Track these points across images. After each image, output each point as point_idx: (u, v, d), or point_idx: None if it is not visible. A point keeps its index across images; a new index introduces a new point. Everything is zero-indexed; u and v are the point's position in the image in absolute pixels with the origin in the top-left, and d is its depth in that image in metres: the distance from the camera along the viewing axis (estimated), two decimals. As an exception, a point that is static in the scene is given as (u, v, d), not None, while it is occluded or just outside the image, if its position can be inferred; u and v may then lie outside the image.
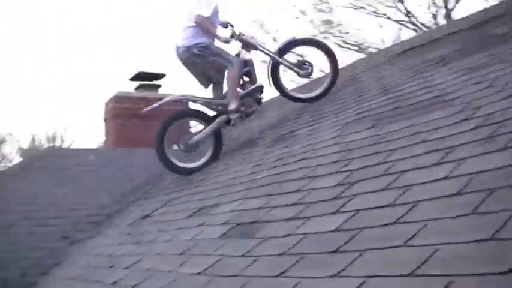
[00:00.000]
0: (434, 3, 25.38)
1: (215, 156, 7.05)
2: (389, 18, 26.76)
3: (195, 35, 6.92)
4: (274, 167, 4.86)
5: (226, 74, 7.00)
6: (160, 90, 12.19)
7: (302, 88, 7.70)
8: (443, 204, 2.45)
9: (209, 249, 3.63)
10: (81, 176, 8.77)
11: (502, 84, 3.76)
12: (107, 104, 11.54)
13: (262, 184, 4.52)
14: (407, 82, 5.44)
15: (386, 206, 2.74)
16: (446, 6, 24.71)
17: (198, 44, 6.88)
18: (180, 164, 7.03)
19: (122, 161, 9.56)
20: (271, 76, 7.27)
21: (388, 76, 6.31)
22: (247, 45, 7.18)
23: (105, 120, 11.76)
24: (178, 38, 7.04)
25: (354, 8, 26.29)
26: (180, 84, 16.23)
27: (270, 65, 7.25)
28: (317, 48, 7.40)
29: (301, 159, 4.59)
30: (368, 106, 5.25)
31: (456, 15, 23.92)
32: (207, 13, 6.82)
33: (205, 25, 6.79)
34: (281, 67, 7.27)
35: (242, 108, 7.00)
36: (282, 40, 7.49)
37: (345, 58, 23.47)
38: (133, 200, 7.55)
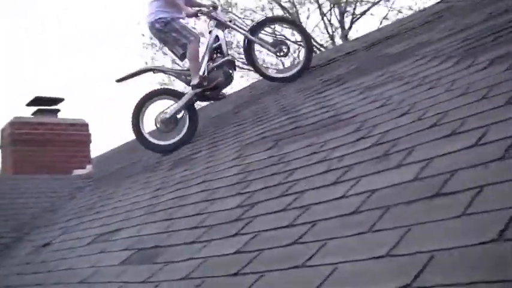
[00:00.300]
0: (330, 24, 26.00)
1: (190, 132, 7.03)
2: (286, 39, 27.20)
3: (158, 10, 7.06)
4: (175, 190, 4.81)
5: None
6: (60, 115, 11.90)
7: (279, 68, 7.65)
8: (341, 222, 2.47)
9: (109, 277, 3.55)
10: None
11: (396, 103, 3.85)
12: (3, 130, 11.17)
13: (162, 208, 4.47)
14: (306, 102, 5.49)
15: (286, 226, 2.74)
16: (342, 27, 25.34)
17: (159, 19, 7.03)
18: (158, 142, 7.19)
19: (21, 188, 9.26)
20: (246, 54, 7.43)
21: (287, 96, 6.37)
22: (219, 23, 7.25)
23: (1, 147, 11.37)
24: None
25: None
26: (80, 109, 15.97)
27: (245, 43, 7.36)
28: (290, 26, 7.52)
29: (201, 182, 4.57)
30: (268, 127, 5.28)
31: (353, 35, 24.53)
32: None
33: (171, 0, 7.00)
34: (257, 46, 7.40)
35: (205, 82, 6.99)
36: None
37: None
38: (32, 228, 7.32)
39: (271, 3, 26.25)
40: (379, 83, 4.71)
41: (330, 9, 26.13)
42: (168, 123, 7.03)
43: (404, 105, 3.72)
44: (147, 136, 7.19)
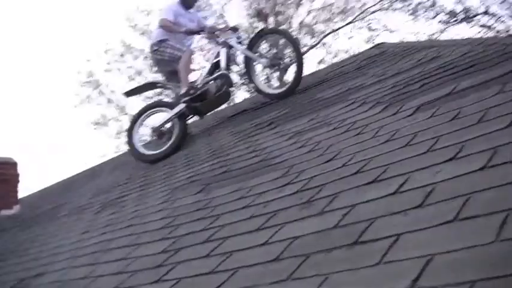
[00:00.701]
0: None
1: (177, 143, 7.14)
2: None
3: (157, 35, 7.69)
4: (101, 234, 4.71)
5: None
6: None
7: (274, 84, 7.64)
8: (261, 270, 2.43)
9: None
10: None
11: (324, 148, 3.86)
12: None
13: (88, 252, 4.36)
14: (237, 146, 5.49)
15: (208, 273, 2.70)
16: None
17: (156, 39, 7.60)
18: (147, 152, 7.38)
19: None
20: (245, 70, 7.49)
21: (219, 139, 6.36)
22: (218, 41, 7.49)
23: None
24: None
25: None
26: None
27: (244, 61, 7.41)
28: (283, 37, 7.56)
29: (128, 226, 4.49)
30: (197, 170, 5.24)
31: (289, 77, 24.79)
32: (169, 16, 7.49)
33: (167, 26, 7.43)
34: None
35: (192, 91, 7.18)
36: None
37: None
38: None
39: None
40: (308, 128, 4.73)
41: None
42: (158, 133, 7.38)
43: (331, 151, 3.74)
44: (137, 147, 7.43)
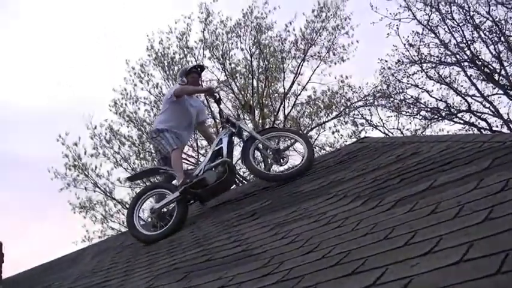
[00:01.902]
0: (254, 157, 26.37)
1: (175, 227, 7.18)
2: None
3: (158, 122, 8.04)
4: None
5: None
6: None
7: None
8: None
9: None
10: None
11: (305, 240, 3.93)
12: None
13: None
14: (220, 235, 5.53)
15: None
16: (265, 162, 25.78)
17: (156, 129, 7.91)
18: (145, 232, 7.42)
19: None
20: (243, 150, 7.52)
21: (202, 228, 6.40)
22: (231, 124, 7.62)
23: None
24: None
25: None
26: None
27: (245, 141, 7.53)
28: (297, 136, 7.57)
29: (108, 312, 4.48)
30: (181, 258, 5.26)
31: (276, 169, 24.90)
32: (180, 82, 7.94)
33: (181, 89, 7.76)
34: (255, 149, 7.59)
35: (188, 180, 7.30)
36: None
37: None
38: None
39: (196, 133, 26.70)
40: (290, 220, 4.80)
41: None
42: (158, 214, 7.49)
43: (311, 242, 3.80)
44: (137, 226, 7.47)
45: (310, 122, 26.89)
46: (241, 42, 27.16)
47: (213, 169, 7.37)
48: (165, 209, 7.52)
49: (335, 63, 26.76)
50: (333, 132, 26.26)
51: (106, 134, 26.06)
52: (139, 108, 26.63)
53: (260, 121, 26.59)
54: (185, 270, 4.70)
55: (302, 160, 7.27)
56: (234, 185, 7.68)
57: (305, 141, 7.53)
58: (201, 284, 4.03)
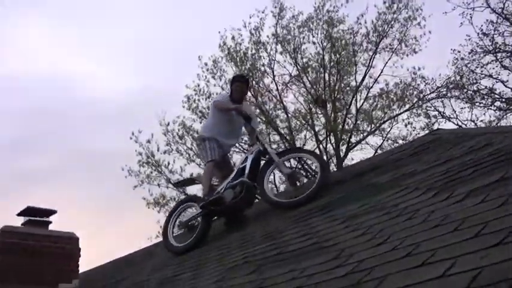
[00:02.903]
0: (326, 151, 26.38)
1: (197, 241, 7.46)
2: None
3: (204, 127, 8.61)
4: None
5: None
6: (51, 227, 11.89)
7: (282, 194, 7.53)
8: None
9: None
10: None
11: (375, 232, 3.93)
12: (-9, 238, 11.12)
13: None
14: (291, 229, 5.56)
15: None
16: (337, 155, 25.70)
17: (200, 135, 8.38)
18: (174, 244, 7.79)
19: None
20: (260, 174, 7.40)
21: (273, 223, 6.44)
22: (259, 142, 7.67)
23: (-12, 254, 11.32)
24: None
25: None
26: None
27: (264, 163, 7.47)
28: (313, 157, 7.51)
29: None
30: (251, 251, 5.32)
31: (348, 163, 24.79)
32: (223, 99, 8.15)
33: (220, 105, 8.00)
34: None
35: (206, 197, 7.51)
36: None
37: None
38: None
39: (268, 129, 26.81)
40: (361, 212, 4.80)
41: (326, 137, 26.62)
42: (185, 227, 7.86)
43: (382, 234, 3.80)
44: (169, 237, 7.86)
45: (382, 115, 26.59)
46: (313, 36, 27.04)
47: (233, 188, 7.47)
48: (195, 222, 7.80)
49: (407, 55, 26.28)
50: (406, 125, 25.89)
51: (179, 130, 26.28)
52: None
53: (332, 115, 26.47)
54: (256, 263, 4.76)
55: (313, 185, 6.93)
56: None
57: (320, 163, 7.28)
58: (273, 277, 4.08)
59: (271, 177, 7.56)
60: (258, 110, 25.83)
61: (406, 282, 2.72)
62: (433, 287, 2.53)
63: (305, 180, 7.45)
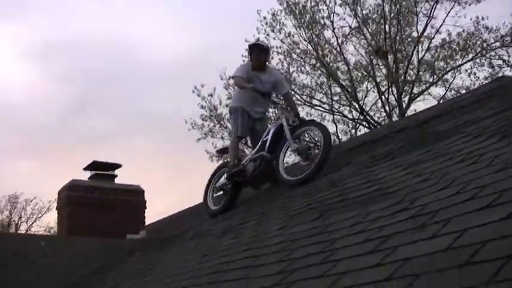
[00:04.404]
0: (388, 102, 26.15)
1: (225, 207, 7.92)
2: (344, 116, 27.43)
3: (233, 97, 9.00)
4: (221, 256, 4.92)
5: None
6: (117, 180, 12.16)
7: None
8: (373, 288, 2.54)
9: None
10: (29, 263, 8.61)
11: (438, 177, 3.92)
12: (60, 192, 11.46)
13: (208, 272, 4.57)
14: (355, 176, 5.59)
15: (322, 292, 2.82)
16: (400, 106, 25.45)
17: (230, 106, 8.64)
18: (211, 207, 8.26)
19: (74, 249, 9.43)
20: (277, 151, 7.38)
21: (337, 171, 6.46)
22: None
23: (57, 208, 11.67)
24: None
25: (310, 106, 26.88)
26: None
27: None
28: (315, 127, 7.47)
29: (246, 250, 4.66)
30: (315, 199, 5.37)
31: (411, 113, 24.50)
32: (242, 74, 8.02)
33: (238, 82, 8.08)
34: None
35: (231, 169, 7.76)
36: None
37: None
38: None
39: (329, 80, 26.68)
40: (424, 159, 4.80)
41: (388, 88, 26.36)
42: (218, 192, 8.21)
43: (446, 179, 3.79)
44: (208, 200, 8.34)
45: (445, 66, 26.10)
46: (372, -14, 26.59)
47: (254, 161, 7.68)
48: (226, 187, 8.14)
49: (469, 5, 25.62)
50: (469, 75, 25.35)
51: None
52: (272, 58, 26.62)
53: (394, 66, 26.15)
54: (320, 210, 4.80)
55: (314, 162, 6.82)
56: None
57: (323, 139, 6.96)
58: (336, 222, 4.12)
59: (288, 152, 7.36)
60: (316, 63, 25.72)
61: (470, 224, 2.72)
62: (499, 228, 2.53)
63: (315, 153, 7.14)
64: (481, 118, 5.45)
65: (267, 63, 8.55)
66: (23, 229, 45.81)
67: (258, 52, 8.15)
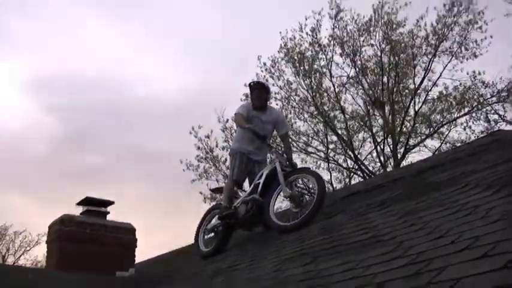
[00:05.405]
0: (383, 153, 26.27)
1: (217, 248, 7.84)
2: (339, 164, 27.50)
3: (235, 139, 8.59)
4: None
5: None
6: (108, 217, 12.10)
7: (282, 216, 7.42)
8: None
9: None
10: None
11: (433, 227, 3.93)
12: (51, 226, 11.38)
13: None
14: (349, 223, 5.58)
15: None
16: (395, 157, 25.54)
17: (230, 148, 8.73)
18: (202, 248, 8.13)
19: (62, 284, 9.33)
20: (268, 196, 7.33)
21: (331, 218, 6.45)
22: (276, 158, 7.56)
23: (47, 242, 11.59)
24: None
25: (305, 153, 26.95)
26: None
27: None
28: (310, 175, 7.38)
29: (238, 291, 4.65)
30: (308, 244, 5.36)
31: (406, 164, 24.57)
32: (243, 112, 7.94)
33: (238, 120, 7.94)
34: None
35: (222, 210, 7.77)
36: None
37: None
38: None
39: (325, 128, 26.82)
40: (420, 208, 4.80)
41: (384, 139, 26.48)
42: (209, 234, 8.16)
43: (441, 229, 3.80)
44: (200, 242, 8.20)
45: (441, 118, 26.28)
46: (371, 38, 26.92)
47: (246, 204, 7.58)
48: (219, 229, 8.05)
49: (467, 59, 25.89)
50: (464, 128, 25.47)
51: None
52: (270, 103, 26.74)
53: (390, 117, 26.32)
54: (313, 255, 4.79)
55: (308, 209, 6.71)
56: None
57: (318, 190, 6.82)
58: (329, 267, 4.11)
59: (280, 197, 7.31)
60: (315, 110, 25.89)
61: (467, 273, 2.72)
62: (495, 278, 2.53)
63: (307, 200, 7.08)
64: (476, 170, 5.47)
65: (268, 102, 8.49)
66: (10, 261, 45.53)
67: (259, 91, 8.13)
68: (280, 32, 27.24)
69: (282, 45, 27.13)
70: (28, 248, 47.38)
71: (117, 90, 56.73)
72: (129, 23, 56.99)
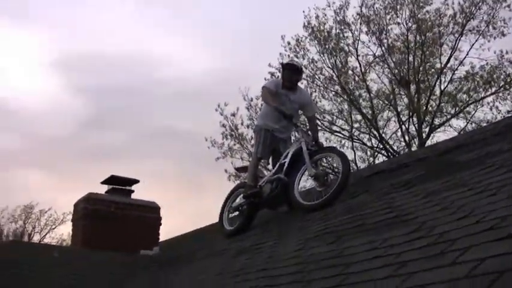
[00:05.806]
0: (408, 132, 26.12)
1: (241, 226, 7.91)
2: (363, 143, 27.40)
3: (259, 115, 8.86)
4: (235, 276, 4.91)
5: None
6: (133, 196, 12.19)
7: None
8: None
9: None
10: (41, 273, 8.58)
11: (458, 207, 3.91)
12: (76, 204, 11.50)
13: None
14: (373, 203, 5.57)
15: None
16: (420, 136, 25.38)
17: (255, 125, 8.87)
18: (227, 227, 8.19)
19: (86, 261, 9.43)
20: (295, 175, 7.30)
21: (356, 197, 6.44)
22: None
23: (73, 220, 11.71)
24: None
25: (330, 132, 26.88)
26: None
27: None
28: (335, 154, 7.35)
29: (262, 269, 4.66)
30: (332, 223, 5.36)
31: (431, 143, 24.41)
32: (271, 86, 7.90)
33: (265, 95, 7.83)
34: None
35: (247, 189, 7.75)
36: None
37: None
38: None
39: (350, 107, 26.71)
40: (444, 188, 4.78)
41: (409, 118, 26.33)
42: (234, 212, 8.28)
43: (465, 209, 3.78)
44: (224, 220, 8.26)
45: (467, 98, 26.03)
46: (397, 17, 26.69)
47: (271, 183, 7.55)
48: (243, 208, 8.04)
49: (494, 38, 25.55)
50: (491, 108, 25.21)
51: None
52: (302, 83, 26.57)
53: (416, 96, 26.13)
54: (337, 234, 4.79)
55: (333, 188, 6.69)
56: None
57: (342, 168, 6.80)
58: (352, 247, 4.11)
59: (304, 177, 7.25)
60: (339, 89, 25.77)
61: (488, 253, 2.71)
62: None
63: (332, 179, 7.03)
64: (502, 150, 5.43)
65: (299, 83, 8.32)
66: (36, 239, 46.10)
67: (291, 72, 7.97)
68: (304, 11, 27.12)
69: (306, 23, 26.99)
70: (53, 227, 47.91)
71: (140, 71, 56.91)
72: (157, 2, 57.03)
